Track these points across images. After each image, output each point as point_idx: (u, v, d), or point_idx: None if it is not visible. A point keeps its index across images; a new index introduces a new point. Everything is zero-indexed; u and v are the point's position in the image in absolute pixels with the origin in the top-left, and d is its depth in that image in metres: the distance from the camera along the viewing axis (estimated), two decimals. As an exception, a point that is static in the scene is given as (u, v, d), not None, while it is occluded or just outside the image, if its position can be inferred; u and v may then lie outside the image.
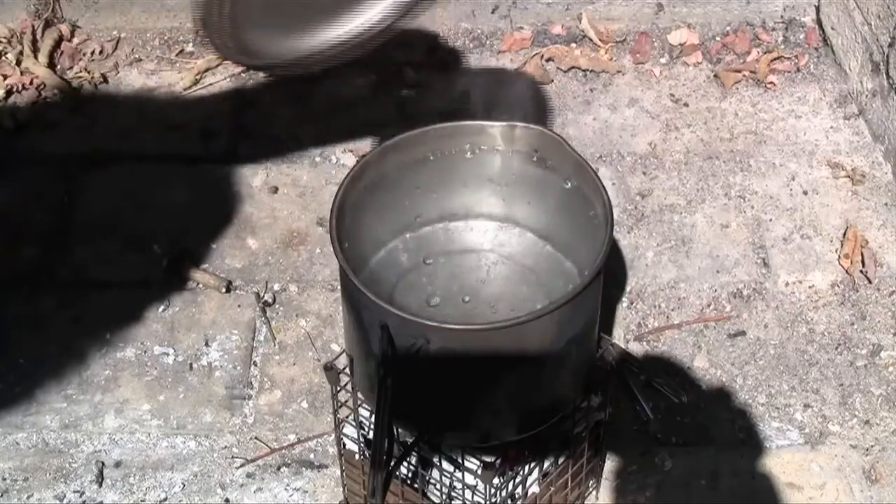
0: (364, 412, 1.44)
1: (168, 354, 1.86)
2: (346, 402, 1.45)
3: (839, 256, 1.99)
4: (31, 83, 2.32)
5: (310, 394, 1.81)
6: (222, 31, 1.30)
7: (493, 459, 1.40)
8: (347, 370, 1.40)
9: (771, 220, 2.07)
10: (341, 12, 1.24)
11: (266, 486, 1.70)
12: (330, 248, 1.30)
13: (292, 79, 2.26)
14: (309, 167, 2.17)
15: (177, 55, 2.41)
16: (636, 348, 1.87)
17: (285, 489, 1.69)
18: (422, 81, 2.34)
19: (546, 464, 1.48)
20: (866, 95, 2.23)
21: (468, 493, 1.40)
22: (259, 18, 1.30)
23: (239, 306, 1.93)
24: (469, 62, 2.40)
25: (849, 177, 2.13)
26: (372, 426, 1.37)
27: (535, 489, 1.48)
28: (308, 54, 1.25)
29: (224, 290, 1.94)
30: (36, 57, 2.36)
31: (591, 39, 2.43)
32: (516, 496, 1.45)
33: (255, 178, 2.15)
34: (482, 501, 1.39)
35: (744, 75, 2.35)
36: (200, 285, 1.96)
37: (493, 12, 2.45)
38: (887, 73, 2.14)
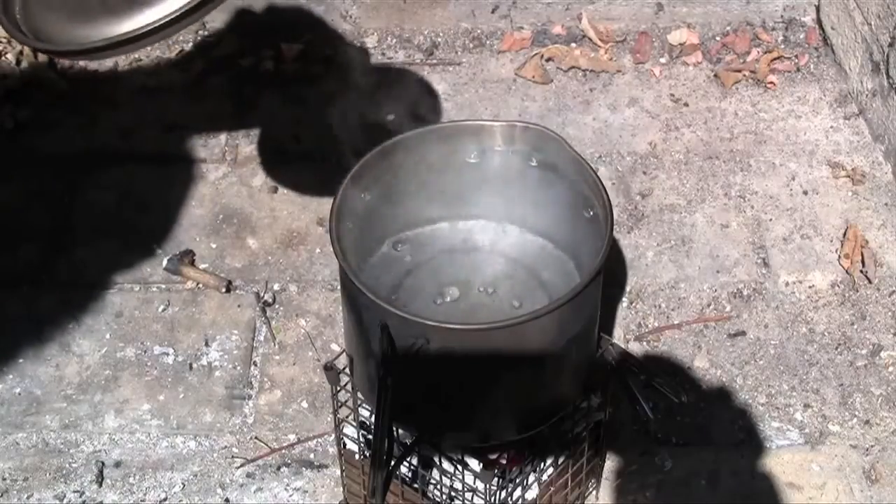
0: (364, 412, 1.44)
1: (168, 354, 1.86)
2: (346, 402, 1.45)
3: (839, 256, 1.99)
4: (30, 83, 2.32)
5: (310, 394, 1.81)
6: (14, 16, 1.34)
7: (493, 459, 1.40)
8: (347, 370, 1.40)
9: (771, 220, 2.07)
10: (130, 7, 1.28)
11: (266, 486, 1.70)
12: (330, 248, 1.30)
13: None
14: (309, 167, 2.17)
15: (177, 55, 2.41)
16: (636, 348, 1.87)
17: (285, 489, 1.69)
18: (422, 81, 2.35)
19: (546, 464, 1.48)
20: (866, 95, 2.23)
21: (468, 493, 1.40)
22: (52, 6, 1.34)
23: (239, 306, 1.93)
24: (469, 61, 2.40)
25: (849, 177, 2.13)
26: (372, 426, 1.37)
27: (535, 489, 1.48)
28: (102, 44, 1.29)
29: (224, 290, 1.94)
30: (36, 57, 2.36)
31: (591, 39, 2.43)
32: (516, 496, 1.45)
33: (255, 178, 2.15)
34: (482, 501, 1.39)
35: (744, 75, 2.35)
36: (200, 285, 1.96)
37: (493, 12, 2.45)
38: (887, 73, 2.14)
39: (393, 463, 1.30)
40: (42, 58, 2.36)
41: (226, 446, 1.75)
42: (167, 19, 1.25)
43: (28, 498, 1.69)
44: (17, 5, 1.35)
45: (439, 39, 2.44)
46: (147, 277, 1.98)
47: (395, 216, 1.48)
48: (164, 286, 1.96)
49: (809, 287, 1.96)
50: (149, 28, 1.25)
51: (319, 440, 1.75)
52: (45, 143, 2.22)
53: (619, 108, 2.29)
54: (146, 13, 1.26)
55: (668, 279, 1.97)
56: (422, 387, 1.31)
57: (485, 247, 1.53)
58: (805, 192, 2.11)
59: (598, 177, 1.35)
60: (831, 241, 2.02)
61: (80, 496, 1.69)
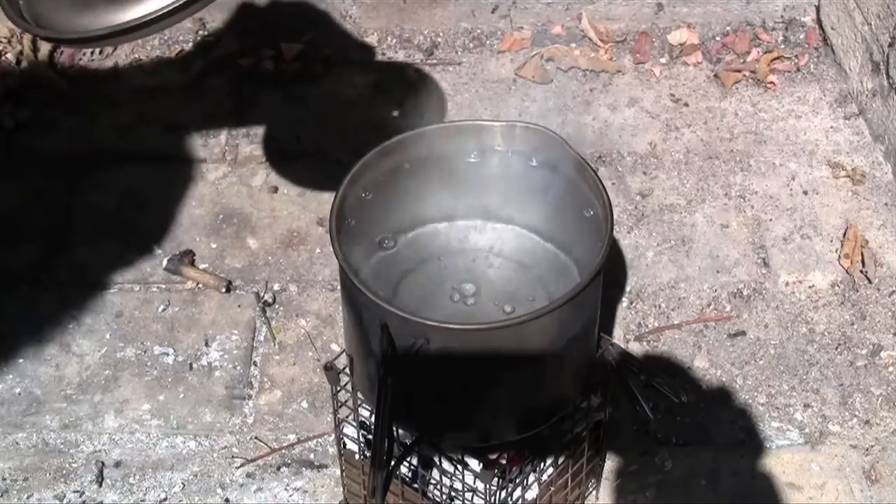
0: (364, 412, 1.44)
1: (168, 354, 1.86)
2: (346, 402, 1.45)
3: (839, 256, 1.99)
4: (30, 83, 2.32)
5: (310, 394, 1.81)
6: (17, 3, 1.34)
7: (493, 459, 1.40)
8: (347, 370, 1.40)
9: (771, 220, 2.07)
10: None
11: (266, 486, 1.70)
12: (330, 248, 1.30)
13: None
14: (309, 167, 2.17)
15: (177, 55, 2.41)
16: (636, 348, 1.87)
17: (285, 489, 1.69)
18: (422, 81, 2.35)
19: (546, 464, 1.48)
20: (866, 95, 2.23)
21: (468, 493, 1.40)
22: None
23: (239, 306, 1.93)
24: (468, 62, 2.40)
25: (849, 177, 2.13)
26: (372, 426, 1.37)
27: (535, 489, 1.48)
28: (104, 32, 1.28)
29: (224, 290, 1.94)
30: (36, 57, 2.36)
31: (590, 39, 2.43)
32: (516, 496, 1.45)
33: (255, 178, 2.15)
34: (482, 501, 1.39)
35: (744, 75, 2.35)
36: (200, 285, 1.96)
37: (493, 12, 2.45)
38: (887, 73, 2.14)
39: (393, 463, 1.30)
40: (42, 57, 2.36)
41: (226, 446, 1.75)
42: (169, 8, 1.24)
43: (28, 498, 1.69)
44: None
45: (439, 39, 2.44)
46: (147, 277, 1.98)
47: (396, 216, 1.48)
48: (164, 286, 1.96)
49: (809, 287, 1.96)
50: (151, 17, 1.24)
51: (319, 440, 1.75)
52: (45, 143, 2.22)
53: (619, 108, 2.29)
54: (148, 2, 1.26)
55: (668, 279, 1.97)
56: (422, 387, 1.31)
57: (484, 247, 1.53)
58: (805, 192, 2.11)
59: (598, 177, 1.35)
60: (831, 241, 2.02)
61: (80, 496, 1.69)
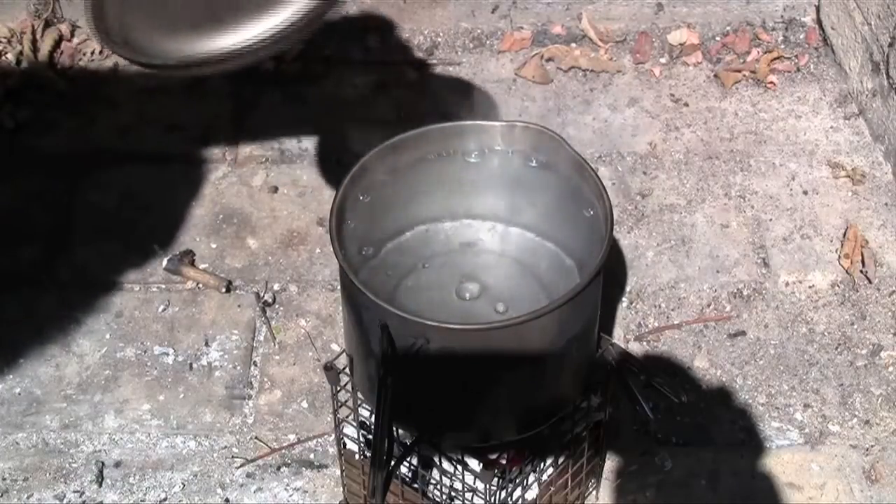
0: (364, 412, 1.44)
1: (168, 354, 1.86)
2: (346, 402, 1.45)
3: (839, 256, 1.99)
4: (30, 83, 2.32)
5: (310, 394, 1.81)
6: (111, 27, 1.31)
7: (493, 459, 1.40)
8: (347, 370, 1.40)
9: (771, 220, 2.07)
10: (234, 20, 1.26)
11: (266, 486, 1.70)
12: (330, 248, 1.30)
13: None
14: (309, 167, 2.17)
15: (177, 55, 2.41)
16: (636, 348, 1.87)
17: (285, 489, 1.70)
18: (422, 81, 2.35)
19: (546, 464, 1.48)
20: (866, 95, 2.23)
21: (468, 493, 1.40)
22: (149, 17, 1.31)
23: (239, 306, 1.93)
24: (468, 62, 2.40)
25: (849, 177, 2.13)
26: (372, 426, 1.37)
27: (535, 489, 1.48)
28: (198, 59, 1.26)
29: (224, 290, 1.95)
30: (36, 57, 2.36)
31: (591, 39, 2.43)
32: (516, 496, 1.45)
33: (255, 178, 2.15)
34: (482, 501, 1.39)
35: (744, 75, 2.35)
36: (200, 285, 1.96)
37: (493, 12, 2.45)
38: (887, 73, 2.14)
39: (393, 463, 1.30)
40: (42, 57, 2.36)
41: (226, 446, 1.75)
42: (258, 42, 1.22)
43: (28, 498, 1.69)
44: (113, 15, 1.31)
45: (439, 39, 2.44)
46: (147, 277, 1.98)
47: (395, 216, 1.48)
48: (164, 286, 1.96)
49: (809, 287, 1.96)
50: (239, 48, 1.23)
51: (319, 440, 1.75)
52: (45, 143, 2.22)
53: (619, 108, 2.29)
54: (235, 34, 1.24)
55: (668, 279, 1.97)
56: (422, 387, 1.31)
57: (484, 247, 1.53)
58: (805, 192, 2.11)
59: (598, 177, 1.35)
60: (831, 241, 2.02)
61: (80, 496, 1.69)
